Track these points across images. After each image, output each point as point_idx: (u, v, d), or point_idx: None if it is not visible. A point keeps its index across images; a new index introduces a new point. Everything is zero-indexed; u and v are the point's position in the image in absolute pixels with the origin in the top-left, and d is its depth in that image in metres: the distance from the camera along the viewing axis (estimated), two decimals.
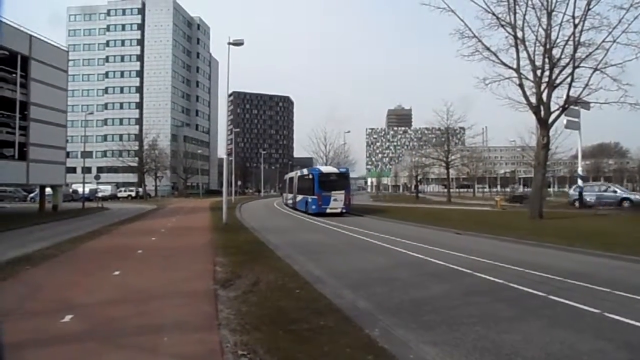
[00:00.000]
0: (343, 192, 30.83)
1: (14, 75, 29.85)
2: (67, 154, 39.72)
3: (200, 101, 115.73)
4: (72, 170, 61.46)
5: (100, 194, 52.91)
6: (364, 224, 23.71)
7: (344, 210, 30.51)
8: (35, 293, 8.17)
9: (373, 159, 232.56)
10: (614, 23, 22.63)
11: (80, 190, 48.25)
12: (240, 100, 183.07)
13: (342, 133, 67.53)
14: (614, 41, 22.69)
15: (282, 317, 6.14)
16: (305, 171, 37.14)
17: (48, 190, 36.49)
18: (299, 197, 35.65)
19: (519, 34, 24.52)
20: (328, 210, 30.07)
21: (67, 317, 6.30)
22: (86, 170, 50.56)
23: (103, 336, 5.60)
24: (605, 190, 33.69)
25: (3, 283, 8.71)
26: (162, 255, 12.90)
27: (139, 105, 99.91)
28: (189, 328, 5.92)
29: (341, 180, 31.81)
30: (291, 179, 41.06)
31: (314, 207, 30.77)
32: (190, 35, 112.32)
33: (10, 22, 28.23)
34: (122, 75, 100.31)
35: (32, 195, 49.24)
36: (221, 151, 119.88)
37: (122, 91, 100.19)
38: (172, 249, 14.13)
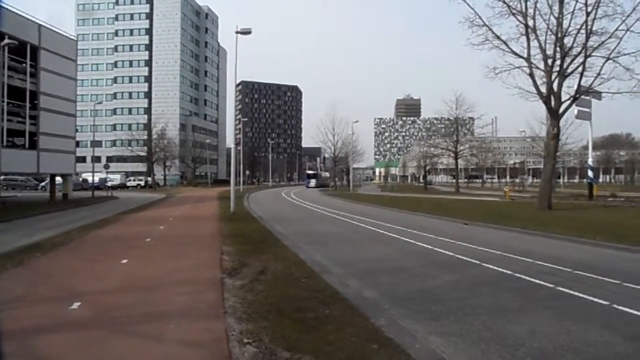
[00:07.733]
0: (315, 179, 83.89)
1: (23, 64, 29.91)
2: (77, 144, 39.94)
3: (208, 90, 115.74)
4: (82, 159, 61.87)
5: (109, 183, 53.40)
6: (372, 214, 23.69)
7: (315, 186, 76.44)
8: (45, 280, 8.27)
9: (381, 149, 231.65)
10: (627, 11, 22.29)
11: (90, 179, 48.57)
12: (248, 89, 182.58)
13: (350, 123, 67.82)
14: (628, 29, 22.36)
15: (288, 306, 6.15)
16: (306, 172, 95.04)
17: (58, 179, 36.79)
18: (304, 182, 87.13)
19: (530, 23, 24.18)
20: (309, 186, 78.32)
21: (75, 305, 6.37)
22: (95, 159, 50.85)
23: (110, 323, 5.65)
24: None
25: (14, 270, 8.82)
26: (170, 243, 13.00)
27: (148, 95, 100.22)
28: (195, 316, 5.95)
29: (314, 175, 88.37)
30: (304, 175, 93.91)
31: (305, 184, 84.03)
32: (199, 24, 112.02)
33: (19, 11, 28.35)
34: (130, 65, 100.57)
35: (42, 184, 49.71)
36: (229, 140, 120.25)
37: (130, 81, 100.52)
38: (180, 238, 14.23)
